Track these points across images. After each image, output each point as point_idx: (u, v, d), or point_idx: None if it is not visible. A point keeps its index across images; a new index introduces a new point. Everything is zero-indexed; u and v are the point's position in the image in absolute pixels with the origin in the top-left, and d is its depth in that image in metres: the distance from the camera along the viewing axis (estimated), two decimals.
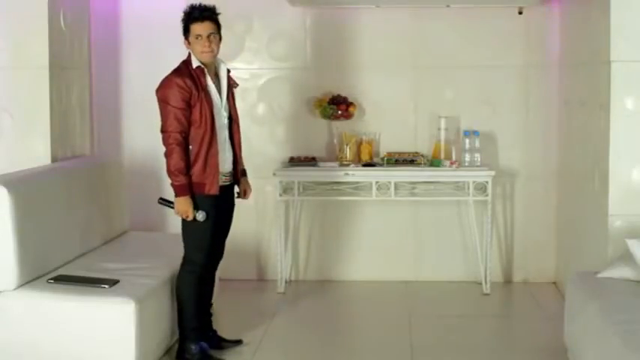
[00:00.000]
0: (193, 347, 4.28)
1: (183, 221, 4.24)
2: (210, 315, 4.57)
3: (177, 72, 4.19)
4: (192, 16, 4.25)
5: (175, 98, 4.09)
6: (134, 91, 6.02)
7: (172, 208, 4.24)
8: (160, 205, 5.84)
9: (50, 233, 4.20)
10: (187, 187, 4.12)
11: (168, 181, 4.15)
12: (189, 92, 4.11)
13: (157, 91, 4.17)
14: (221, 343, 4.54)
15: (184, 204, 4.13)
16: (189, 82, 4.13)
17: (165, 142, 4.11)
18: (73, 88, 5.02)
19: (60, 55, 4.81)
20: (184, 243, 4.31)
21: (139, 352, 3.86)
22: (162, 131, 4.12)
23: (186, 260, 4.32)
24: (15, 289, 3.87)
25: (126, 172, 5.40)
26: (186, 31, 4.28)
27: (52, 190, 4.31)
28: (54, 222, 4.25)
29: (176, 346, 4.39)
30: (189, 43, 4.26)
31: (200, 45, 4.20)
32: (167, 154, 4.11)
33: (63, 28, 4.85)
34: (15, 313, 3.84)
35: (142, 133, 6.02)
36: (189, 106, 4.11)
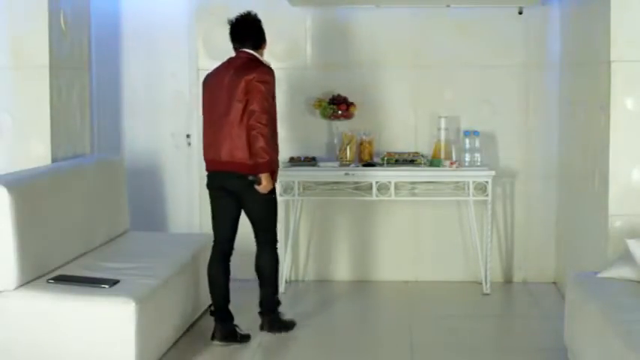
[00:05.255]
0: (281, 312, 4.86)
1: (268, 202, 4.63)
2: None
3: (268, 67, 4.60)
4: None
5: (274, 87, 4.57)
6: (134, 90, 6.03)
7: (259, 184, 4.49)
8: (160, 205, 5.88)
9: (50, 233, 4.20)
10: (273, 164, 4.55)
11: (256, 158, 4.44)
12: None
13: (264, 75, 4.48)
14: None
15: (270, 179, 4.52)
16: None
17: (263, 121, 4.42)
18: (73, 88, 5.02)
19: (60, 54, 4.81)
20: (270, 223, 4.72)
21: (139, 352, 3.85)
22: (263, 112, 4.43)
23: (274, 239, 4.76)
24: (15, 289, 3.87)
25: (126, 171, 5.39)
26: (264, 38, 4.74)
27: (52, 190, 4.30)
28: (54, 222, 4.25)
29: (176, 347, 4.38)
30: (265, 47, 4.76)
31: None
32: (263, 133, 4.42)
33: (63, 27, 4.85)
34: (15, 313, 3.84)
35: (142, 133, 6.02)
36: None
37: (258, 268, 4.80)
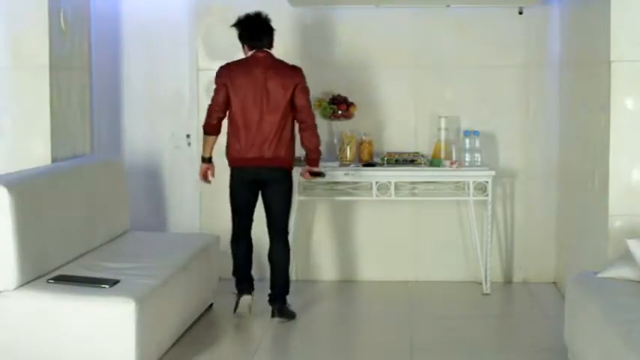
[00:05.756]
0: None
1: (290, 195, 5.05)
2: None
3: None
4: None
5: None
6: (134, 91, 6.02)
7: (324, 177, 5.21)
8: (160, 205, 5.86)
9: (50, 233, 4.20)
10: None
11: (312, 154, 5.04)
12: None
13: (304, 78, 4.92)
14: None
15: None
16: None
17: (314, 120, 4.95)
18: (73, 88, 5.01)
19: (60, 54, 4.80)
20: (289, 214, 5.08)
21: (139, 352, 3.85)
22: (312, 112, 4.96)
23: (288, 229, 5.09)
24: (15, 289, 3.87)
25: (126, 171, 5.39)
26: None
27: (52, 190, 4.30)
28: (54, 222, 4.25)
29: (176, 346, 4.40)
30: None
31: None
32: (316, 133, 4.96)
33: (63, 27, 4.84)
34: (15, 313, 3.84)
35: (142, 133, 6.02)
36: None
37: (276, 258, 5.03)
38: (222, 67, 4.95)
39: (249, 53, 4.94)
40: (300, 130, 4.96)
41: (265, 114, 4.83)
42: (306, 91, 4.92)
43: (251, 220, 5.08)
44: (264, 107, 4.83)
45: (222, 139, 5.02)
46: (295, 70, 4.93)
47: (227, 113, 4.93)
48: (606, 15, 4.49)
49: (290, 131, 4.92)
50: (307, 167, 5.09)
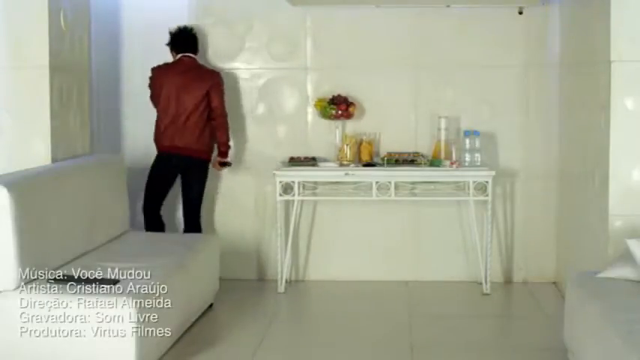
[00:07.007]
0: None
1: (205, 182, 5.72)
2: None
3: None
4: None
5: None
6: (134, 91, 6.02)
7: (230, 165, 5.80)
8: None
9: (50, 233, 4.20)
10: None
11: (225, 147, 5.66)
12: None
13: (221, 78, 5.66)
14: None
15: None
16: None
17: (226, 118, 5.64)
18: (73, 88, 5.01)
19: (60, 55, 4.80)
20: (201, 200, 5.75)
21: (139, 352, 3.85)
22: (225, 109, 5.64)
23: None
24: (15, 289, 3.87)
25: (126, 171, 5.40)
26: None
27: (52, 190, 4.30)
28: (54, 222, 4.25)
29: (176, 347, 4.42)
30: None
31: None
32: (226, 129, 5.63)
33: (63, 27, 4.84)
34: (15, 313, 3.84)
35: (142, 133, 6.01)
36: None
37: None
38: (154, 68, 5.63)
39: (177, 57, 5.64)
40: (214, 126, 5.61)
41: (191, 110, 5.51)
42: (220, 92, 5.61)
43: (160, 204, 5.75)
44: (189, 104, 5.51)
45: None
46: (213, 74, 5.65)
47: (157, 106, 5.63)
48: (606, 15, 4.49)
49: (206, 126, 5.58)
50: (218, 158, 5.70)
